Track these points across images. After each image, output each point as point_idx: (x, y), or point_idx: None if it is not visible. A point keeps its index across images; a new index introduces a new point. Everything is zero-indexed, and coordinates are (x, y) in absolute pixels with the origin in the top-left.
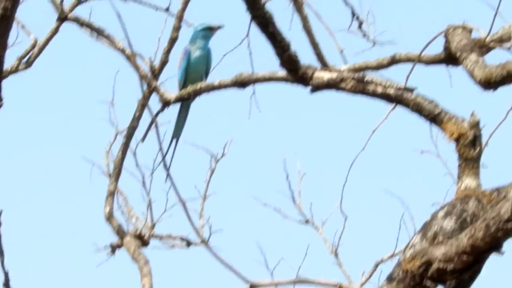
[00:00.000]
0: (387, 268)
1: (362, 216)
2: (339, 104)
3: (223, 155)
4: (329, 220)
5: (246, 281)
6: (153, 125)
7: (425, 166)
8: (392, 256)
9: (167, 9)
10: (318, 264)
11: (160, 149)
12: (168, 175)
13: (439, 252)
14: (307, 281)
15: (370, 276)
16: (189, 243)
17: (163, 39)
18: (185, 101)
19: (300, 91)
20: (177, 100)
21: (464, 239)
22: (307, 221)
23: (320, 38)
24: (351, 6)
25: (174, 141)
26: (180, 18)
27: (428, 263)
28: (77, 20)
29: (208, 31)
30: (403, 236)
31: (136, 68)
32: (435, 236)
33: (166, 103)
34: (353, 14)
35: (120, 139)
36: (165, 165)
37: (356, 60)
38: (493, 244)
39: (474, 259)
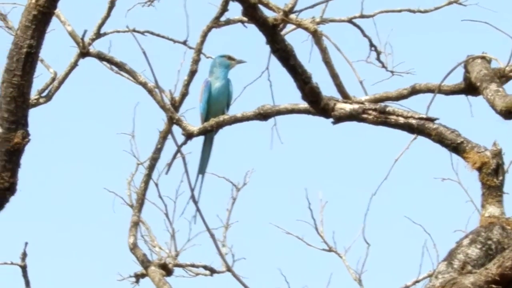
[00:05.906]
0: None
1: (385, 243)
2: (361, 134)
3: (244, 184)
4: (352, 247)
5: None
6: (177, 157)
7: (447, 194)
8: (416, 282)
9: (185, 42)
10: None
11: (189, 184)
12: (197, 210)
13: (468, 281)
14: None
15: None
16: (213, 271)
17: (182, 72)
18: (208, 134)
19: (321, 121)
20: (200, 132)
21: (493, 268)
22: (330, 249)
23: (340, 70)
24: (369, 37)
25: (200, 176)
26: (199, 51)
27: None
28: (98, 55)
29: (226, 59)
30: (426, 263)
31: (160, 101)
32: (463, 265)
33: (189, 136)
34: (371, 45)
35: (142, 170)
36: (194, 201)
37: (375, 90)
38: None
39: None
